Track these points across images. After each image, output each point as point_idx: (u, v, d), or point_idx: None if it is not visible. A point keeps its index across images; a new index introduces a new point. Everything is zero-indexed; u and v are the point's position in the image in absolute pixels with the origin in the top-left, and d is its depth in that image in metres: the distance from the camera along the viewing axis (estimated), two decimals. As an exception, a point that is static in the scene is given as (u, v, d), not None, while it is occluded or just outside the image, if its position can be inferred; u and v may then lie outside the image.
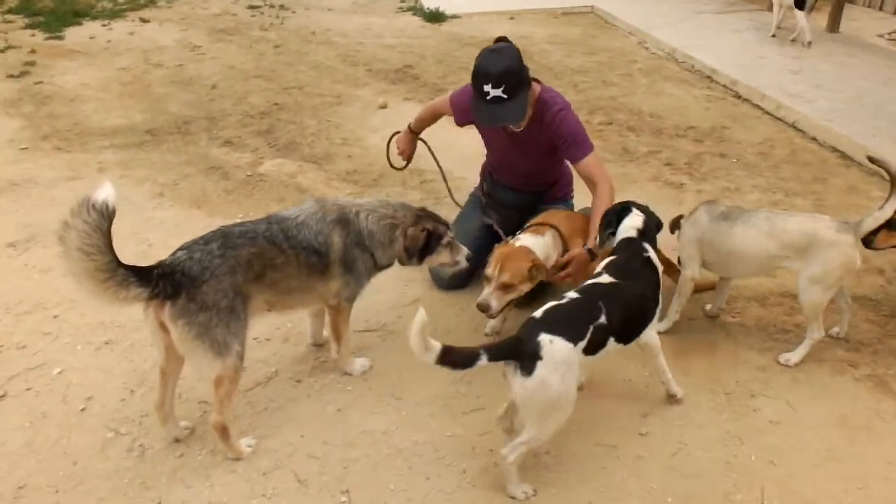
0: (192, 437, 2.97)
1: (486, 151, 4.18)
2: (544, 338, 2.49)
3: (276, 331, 3.61)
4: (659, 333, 3.05)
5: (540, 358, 2.46)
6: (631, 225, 3.08)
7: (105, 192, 2.37)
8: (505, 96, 3.30)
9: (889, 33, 8.30)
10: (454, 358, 2.42)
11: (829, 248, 3.16)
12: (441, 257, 3.30)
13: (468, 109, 3.59)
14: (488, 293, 3.12)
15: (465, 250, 3.35)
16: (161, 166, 5.47)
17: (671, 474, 2.83)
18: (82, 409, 3.11)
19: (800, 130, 6.14)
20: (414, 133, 4.21)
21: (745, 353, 3.47)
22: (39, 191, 5.05)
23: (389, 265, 3.25)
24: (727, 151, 5.75)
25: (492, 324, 3.62)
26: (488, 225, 4.00)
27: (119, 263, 2.42)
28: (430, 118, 4.17)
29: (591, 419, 3.09)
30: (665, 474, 2.83)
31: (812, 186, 5.17)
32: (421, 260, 3.24)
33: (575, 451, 2.93)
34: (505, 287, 3.12)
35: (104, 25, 9.60)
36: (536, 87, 3.58)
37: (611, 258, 3.00)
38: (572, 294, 2.74)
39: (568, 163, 3.81)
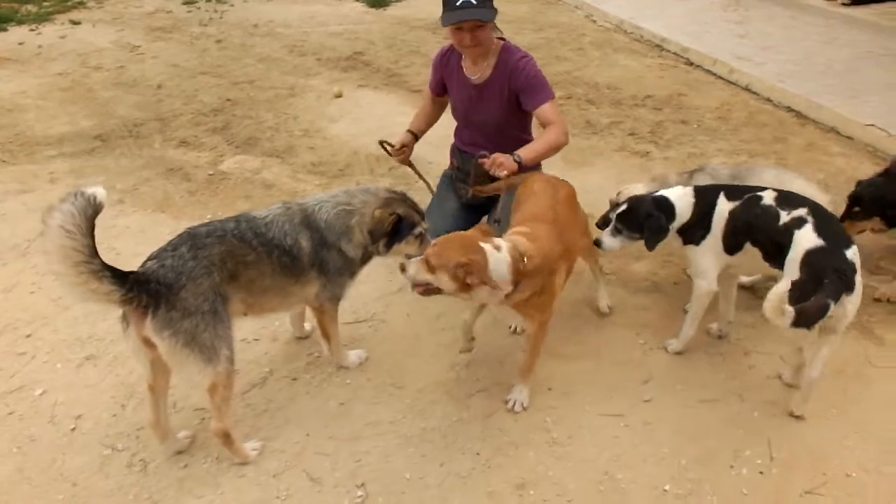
0: (194, 445, 2.88)
1: (453, 130, 4.15)
2: (849, 252, 2.66)
3: (263, 330, 3.52)
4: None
5: (856, 271, 2.65)
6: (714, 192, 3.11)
7: (96, 189, 2.30)
8: (474, 2, 3.39)
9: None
10: (809, 316, 2.48)
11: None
12: (409, 248, 3.06)
13: (437, 69, 3.91)
14: (416, 260, 2.74)
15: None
16: (117, 172, 5.27)
17: (680, 437, 2.86)
18: (73, 429, 2.98)
19: (754, 93, 6.27)
20: (412, 133, 4.04)
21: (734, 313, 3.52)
22: (-10, 207, 4.81)
23: (367, 257, 3.07)
24: (687, 118, 5.84)
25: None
26: (465, 205, 3.97)
27: (97, 253, 2.30)
28: (424, 114, 4.12)
29: (594, 391, 3.11)
30: (674, 437, 2.86)
31: (773, 146, 5.29)
32: (388, 247, 3.02)
33: (584, 423, 2.94)
34: (427, 265, 2.69)
35: (32, 30, 9.17)
36: (500, 42, 3.70)
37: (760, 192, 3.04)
38: (801, 212, 2.82)
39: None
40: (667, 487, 2.65)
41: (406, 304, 3.71)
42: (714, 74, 6.76)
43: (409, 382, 3.20)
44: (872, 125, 5.21)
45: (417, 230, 3.04)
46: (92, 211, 2.27)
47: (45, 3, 10.49)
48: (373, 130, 5.86)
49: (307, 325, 3.47)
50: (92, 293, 2.31)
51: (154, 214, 4.64)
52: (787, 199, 2.93)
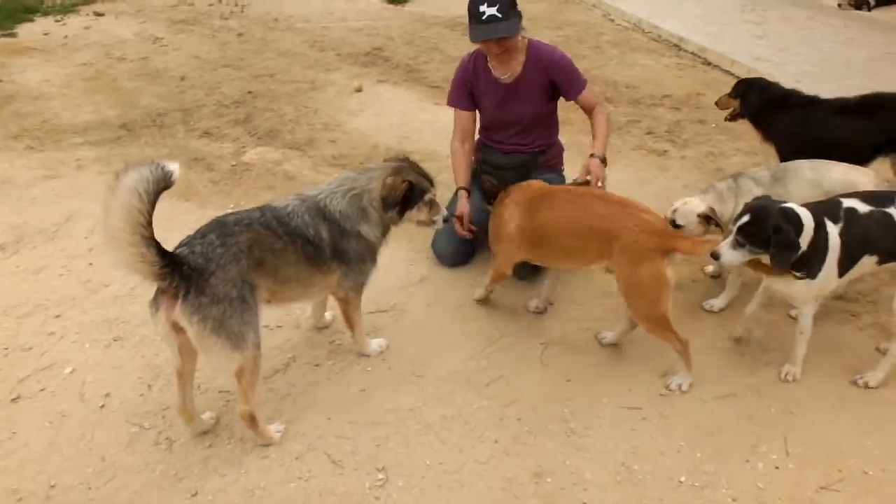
0: (218, 426, 2.95)
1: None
2: None
3: (287, 317, 3.58)
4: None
5: None
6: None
7: (174, 166, 2.40)
8: (500, 15, 3.42)
9: (844, 2, 8.46)
10: None
11: None
12: (420, 214, 3.13)
13: (463, 81, 3.85)
14: None
15: (443, 210, 3.22)
16: (141, 160, 5.21)
17: (697, 431, 2.90)
18: (101, 406, 3.06)
19: (772, 94, 6.27)
20: (467, 190, 3.84)
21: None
22: (19, 191, 4.89)
23: (385, 233, 3.11)
24: (705, 117, 5.86)
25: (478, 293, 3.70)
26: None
27: (152, 223, 2.35)
28: (465, 163, 3.89)
29: (612, 383, 3.16)
30: (691, 431, 2.90)
31: (791, 147, 5.31)
32: (401, 214, 3.07)
33: (602, 415, 2.99)
34: None
35: (57, 21, 9.31)
36: (525, 39, 3.75)
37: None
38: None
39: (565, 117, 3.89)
40: (682, 479, 2.69)
41: (427, 295, 3.77)
42: (732, 74, 6.77)
43: (429, 371, 3.25)
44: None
45: (428, 196, 3.12)
46: (164, 184, 2.35)
47: (70, -5, 10.64)
48: (393, 125, 5.93)
49: (328, 315, 3.53)
50: (139, 257, 2.35)
51: (178, 203, 4.70)
52: (875, 198, 2.96)
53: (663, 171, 4.95)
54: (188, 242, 2.65)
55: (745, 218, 2.76)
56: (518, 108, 3.81)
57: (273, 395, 3.12)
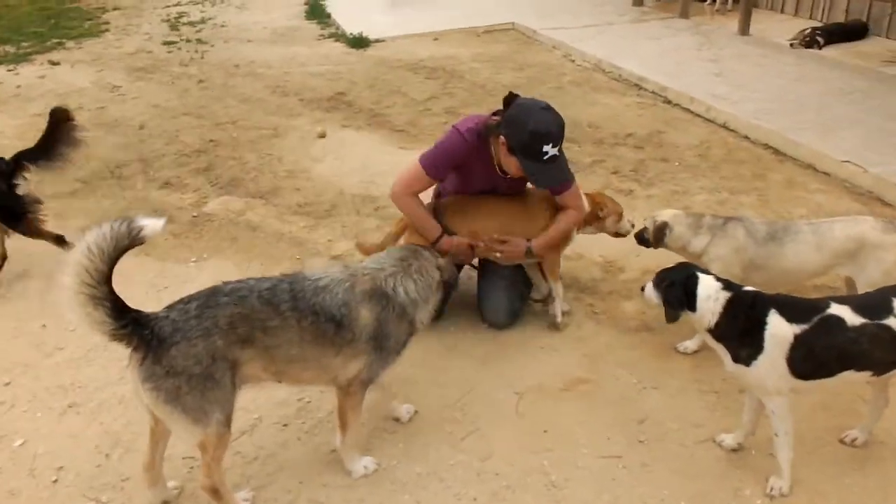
0: (181, 496, 2.80)
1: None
2: None
3: (252, 374, 3.45)
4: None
5: None
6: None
7: (151, 222, 2.36)
8: (558, 154, 3.23)
9: (796, 41, 8.68)
10: None
11: (878, 250, 3.21)
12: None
13: (456, 158, 3.48)
14: None
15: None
16: (99, 214, 5.19)
17: (679, 477, 2.84)
18: (54, 481, 2.88)
19: (731, 130, 6.39)
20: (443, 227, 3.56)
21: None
22: (-34, 250, 4.71)
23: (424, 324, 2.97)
24: (668, 156, 5.92)
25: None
26: None
27: (107, 281, 2.30)
28: (417, 200, 3.58)
29: (590, 431, 3.09)
30: (673, 478, 2.84)
31: (753, 183, 5.38)
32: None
33: (581, 465, 2.91)
34: None
35: (10, 70, 9.14)
36: None
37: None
38: None
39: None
40: (667, 529, 2.62)
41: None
42: (692, 112, 6.89)
43: (401, 426, 3.15)
44: (848, 161, 5.32)
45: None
46: (127, 242, 2.31)
47: (24, 44, 10.48)
48: (357, 170, 5.88)
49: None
50: (87, 316, 2.30)
51: (138, 257, 4.51)
52: (870, 305, 2.61)
53: (630, 209, 4.94)
54: (173, 304, 2.53)
55: (668, 267, 2.90)
56: (505, 192, 3.68)
57: (240, 458, 2.99)
